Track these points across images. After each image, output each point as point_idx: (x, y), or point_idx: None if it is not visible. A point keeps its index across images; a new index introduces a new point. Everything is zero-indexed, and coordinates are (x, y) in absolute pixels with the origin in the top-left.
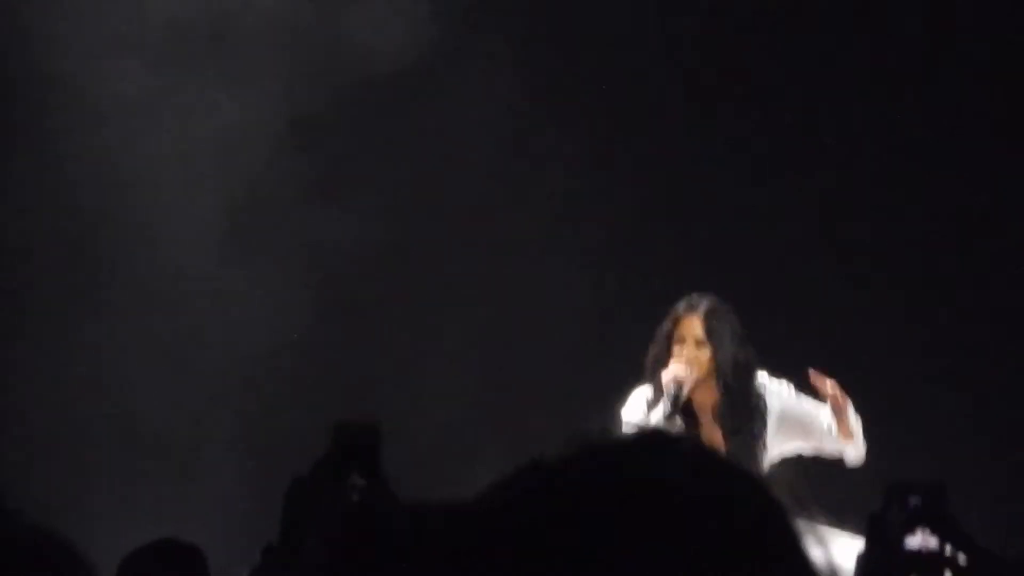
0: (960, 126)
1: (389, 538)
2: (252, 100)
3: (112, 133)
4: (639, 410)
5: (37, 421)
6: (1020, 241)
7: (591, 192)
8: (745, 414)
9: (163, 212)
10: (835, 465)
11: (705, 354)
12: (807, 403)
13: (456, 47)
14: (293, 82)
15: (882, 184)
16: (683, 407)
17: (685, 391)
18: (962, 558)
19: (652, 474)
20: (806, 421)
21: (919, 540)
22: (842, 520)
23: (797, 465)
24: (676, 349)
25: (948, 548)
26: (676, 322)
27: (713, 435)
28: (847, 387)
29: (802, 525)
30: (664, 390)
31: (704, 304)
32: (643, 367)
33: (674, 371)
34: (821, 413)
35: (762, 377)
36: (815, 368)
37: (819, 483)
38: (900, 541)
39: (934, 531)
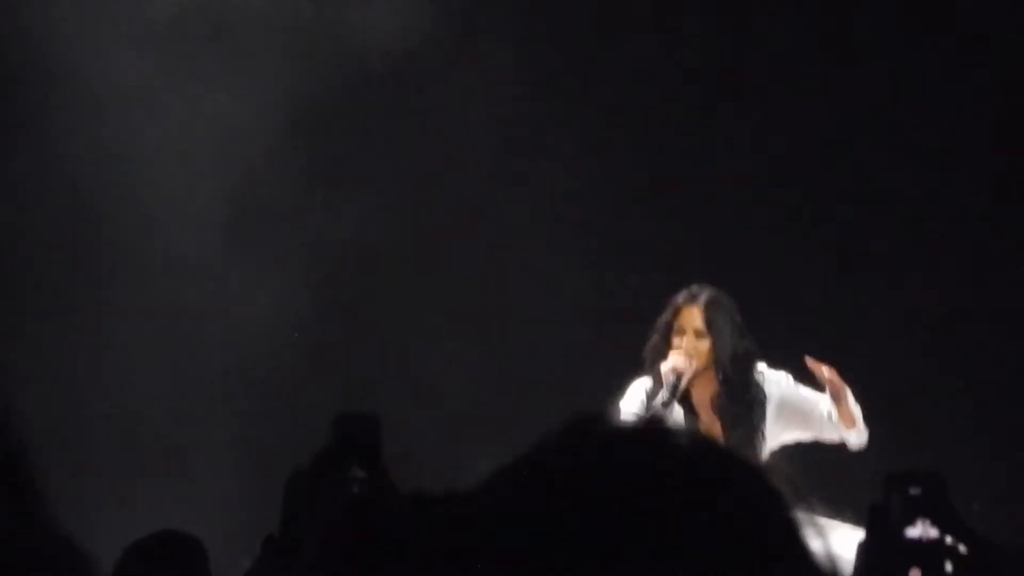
0: (960, 124)
1: (389, 530)
2: (252, 95)
3: (111, 127)
4: (638, 401)
5: (37, 416)
6: (1021, 237)
7: (591, 186)
8: (744, 406)
9: (163, 206)
10: (834, 456)
11: (705, 345)
12: (806, 392)
13: (456, 42)
14: (293, 77)
15: (882, 179)
16: (682, 398)
17: (684, 382)
18: (962, 548)
19: (650, 463)
20: (805, 410)
21: (919, 530)
22: (841, 511)
23: (796, 455)
24: (676, 340)
25: (948, 538)
26: (676, 313)
27: (712, 426)
28: (846, 379)
29: (801, 516)
30: (663, 381)
31: (704, 295)
32: (642, 358)
33: (673, 362)
34: (820, 401)
35: (761, 368)
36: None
37: (818, 474)
38: (900, 531)
39: (934, 522)
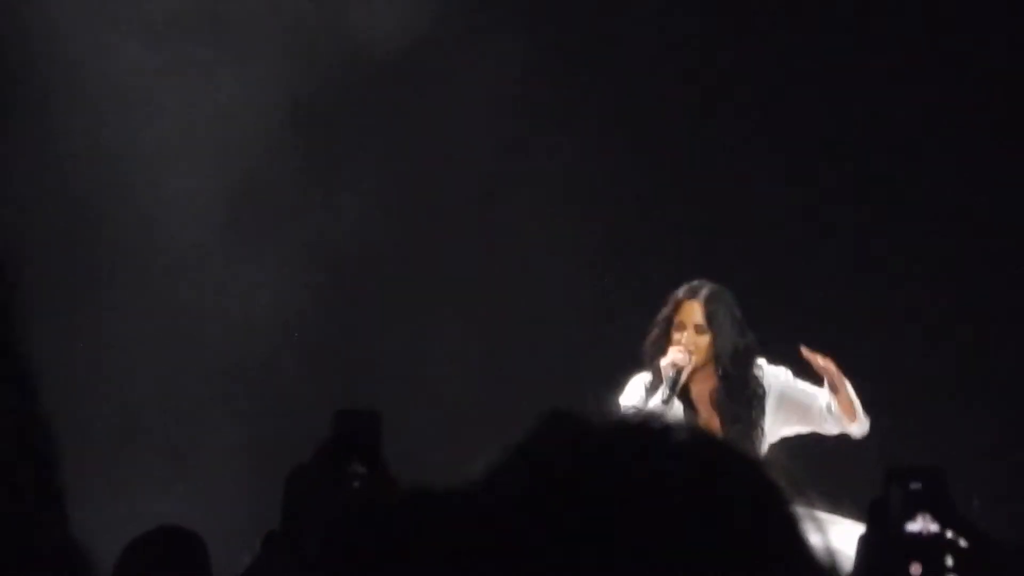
0: (960, 122)
1: (389, 526)
2: (252, 93)
3: (110, 126)
4: (637, 396)
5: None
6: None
7: (591, 181)
8: (743, 401)
9: (162, 206)
10: (835, 450)
11: (705, 340)
12: (805, 387)
13: (456, 39)
14: (293, 74)
15: (883, 176)
16: (680, 393)
17: (684, 377)
18: (963, 543)
19: (649, 458)
20: (804, 405)
21: (919, 525)
22: (841, 506)
23: (796, 450)
24: (676, 335)
25: (949, 533)
26: (676, 307)
27: (710, 421)
28: (845, 372)
29: (800, 510)
30: (663, 376)
31: (705, 290)
32: (642, 353)
33: (673, 357)
34: (819, 396)
35: (760, 363)
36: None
37: (818, 469)
38: (901, 526)
39: (935, 516)
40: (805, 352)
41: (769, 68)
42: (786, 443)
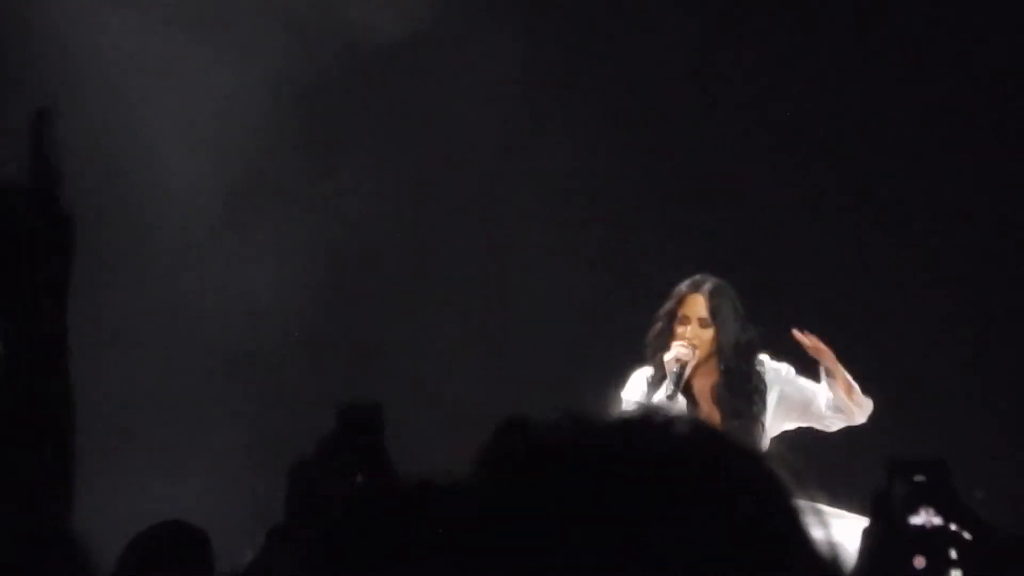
0: (961, 121)
1: (391, 517)
2: (254, 86)
3: (109, 113)
4: (639, 390)
5: None
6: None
7: (592, 177)
8: (744, 396)
9: (161, 195)
10: (838, 444)
11: (708, 334)
12: (806, 384)
13: (457, 30)
14: (294, 63)
15: (882, 173)
16: (682, 388)
17: (688, 372)
18: (966, 535)
19: (652, 452)
20: (804, 402)
21: (923, 518)
22: (844, 499)
23: (798, 443)
24: (679, 329)
25: (952, 526)
26: (680, 301)
27: (711, 415)
28: (852, 372)
29: (803, 504)
30: (666, 371)
31: (708, 284)
32: (644, 347)
33: (677, 352)
34: (819, 393)
35: (763, 358)
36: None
37: (821, 462)
38: (904, 519)
39: (938, 509)
40: (797, 334)
41: (769, 67)
42: (788, 436)
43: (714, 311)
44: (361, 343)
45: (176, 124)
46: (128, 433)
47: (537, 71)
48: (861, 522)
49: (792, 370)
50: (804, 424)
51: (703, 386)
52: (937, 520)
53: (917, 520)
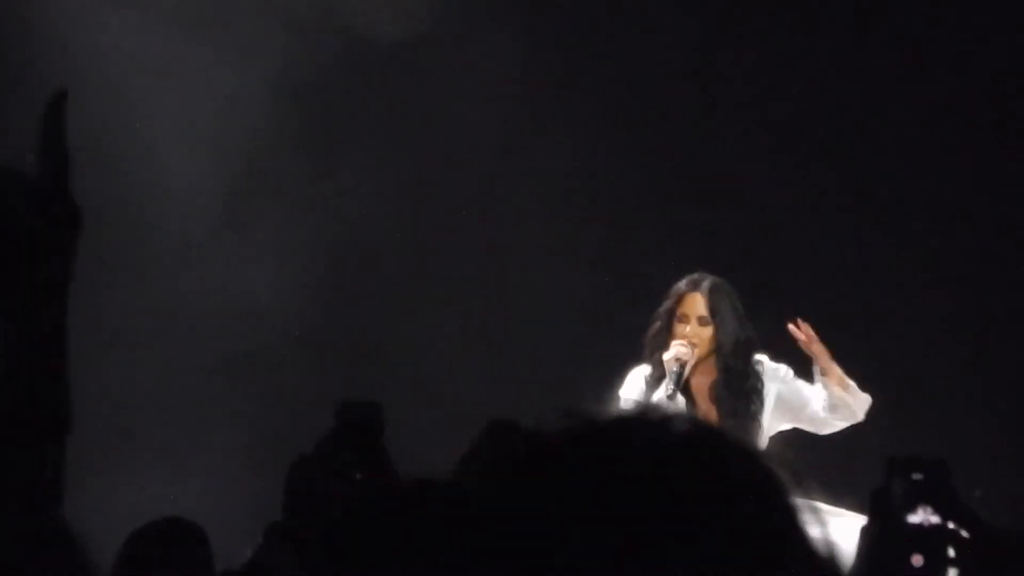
0: (961, 120)
1: (391, 517)
2: (254, 84)
3: (109, 111)
4: (637, 389)
5: None
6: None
7: (591, 177)
8: (743, 394)
9: (160, 194)
10: (837, 442)
11: (708, 332)
12: (802, 387)
13: (458, 30)
14: (294, 61)
15: (880, 172)
16: (681, 386)
17: (687, 371)
18: (965, 534)
19: (650, 450)
20: (798, 405)
21: (921, 516)
22: (843, 497)
23: (797, 441)
24: (679, 327)
25: (951, 524)
26: (679, 300)
27: (709, 414)
28: (851, 372)
29: (800, 502)
30: (666, 370)
31: (707, 282)
32: (642, 346)
33: (676, 351)
34: (813, 398)
35: (762, 358)
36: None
37: (820, 460)
38: (903, 517)
39: (937, 507)
40: (792, 328)
41: (769, 67)
42: (787, 435)
43: (713, 309)
44: (361, 343)
45: (176, 124)
46: (128, 433)
47: (537, 71)
48: (860, 520)
49: (791, 372)
50: (798, 426)
51: (701, 384)
52: (935, 518)
53: (915, 518)
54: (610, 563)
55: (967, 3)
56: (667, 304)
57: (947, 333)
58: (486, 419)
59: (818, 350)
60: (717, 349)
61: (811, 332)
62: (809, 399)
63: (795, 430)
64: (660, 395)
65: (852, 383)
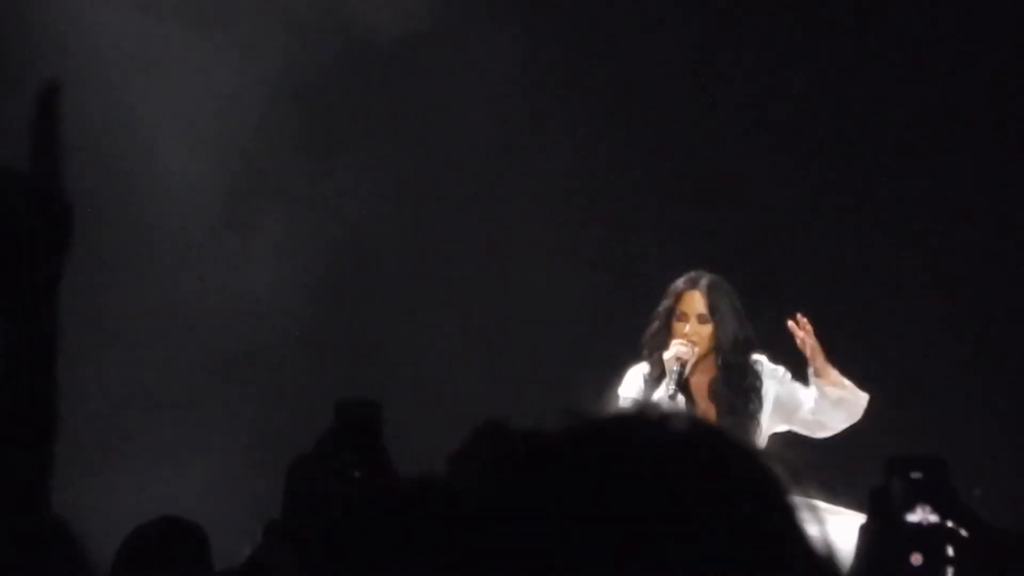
0: (962, 120)
1: (390, 516)
2: (252, 78)
3: (109, 109)
4: (636, 387)
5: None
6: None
7: (592, 177)
8: (742, 392)
9: (160, 192)
10: (836, 440)
11: (707, 330)
12: (797, 390)
13: (457, 28)
14: (294, 59)
15: (880, 172)
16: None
17: (688, 370)
18: (963, 533)
19: (648, 449)
20: (794, 405)
21: (920, 515)
22: (841, 496)
23: (796, 440)
24: (678, 325)
25: (949, 523)
26: (677, 298)
27: (708, 412)
28: (848, 367)
29: (799, 501)
30: (666, 369)
31: (704, 280)
32: (641, 345)
33: (676, 350)
34: (806, 402)
35: (761, 358)
36: (796, 324)
37: (817, 459)
38: (902, 515)
39: (935, 506)
40: (791, 325)
41: (769, 67)
42: (785, 434)
43: (712, 307)
44: (361, 343)
45: (176, 124)
46: (128, 432)
47: (537, 71)
48: (859, 519)
49: (788, 374)
50: (792, 428)
51: (700, 383)
52: (934, 517)
53: (914, 517)
54: (609, 562)
55: (967, 3)
56: (666, 303)
57: (947, 333)
58: (486, 419)
59: (814, 349)
60: (716, 347)
61: (809, 328)
62: (803, 401)
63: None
64: (660, 394)
65: (849, 382)
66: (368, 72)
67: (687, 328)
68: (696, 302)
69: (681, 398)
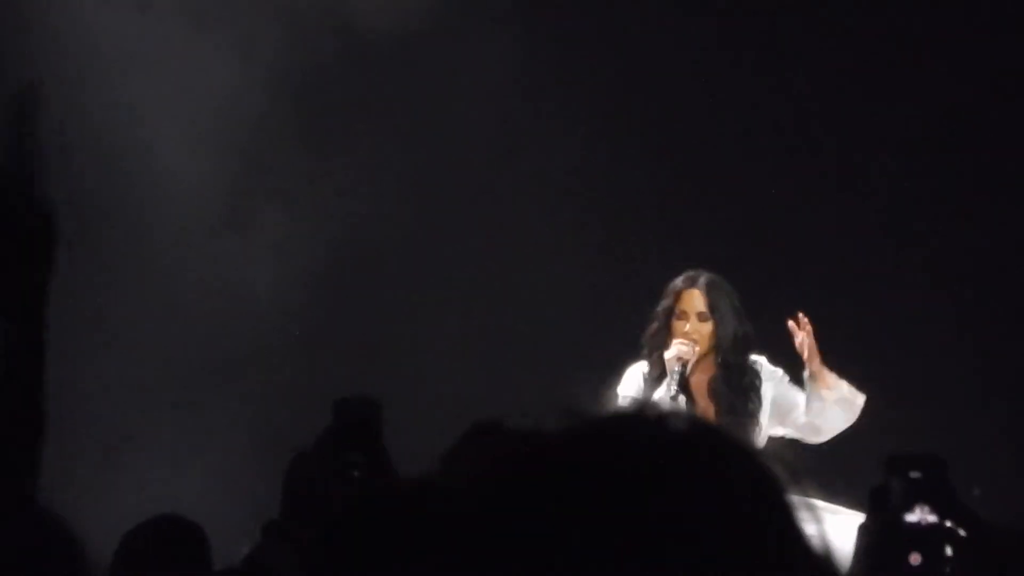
0: (962, 120)
1: (390, 516)
2: (252, 76)
3: (109, 108)
4: (635, 386)
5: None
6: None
7: (592, 177)
8: (741, 391)
9: (159, 191)
10: (834, 440)
11: (707, 328)
12: (793, 392)
13: (457, 26)
14: (294, 57)
15: (881, 171)
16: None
17: (689, 370)
18: (962, 532)
19: (648, 449)
20: (788, 407)
21: (918, 515)
22: (840, 496)
23: (794, 441)
24: (678, 324)
25: (948, 522)
26: (677, 297)
27: (707, 411)
28: (848, 367)
29: (798, 501)
30: (668, 369)
31: (703, 278)
32: (640, 344)
33: (678, 350)
34: (801, 403)
35: (760, 360)
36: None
37: (817, 458)
38: (901, 515)
39: (934, 505)
40: (791, 325)
41: (769, 67)
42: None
43: (712, 305)
44: (361, 342)
45: (176, 123)
46: (128, 432)
47: (537, 71)
48: (858, 518)
49: (786, 376)
50: (786, 432)
51: (700, 381)
52: (932, 517)
53: (913, 517)
54: (608, 562)
55: (967, 3)
56: (665, 302)
57: (946, 333)
58: (487, 405)
59: (811, 351)
60: (716, 345)
61: (809, 328)
62: (797, 404)
63: None
64: (660, 394)
65: (846, 384)
66: (368, 71)
67: (687, 326)
68: (695, 300)
69: (682, 398)
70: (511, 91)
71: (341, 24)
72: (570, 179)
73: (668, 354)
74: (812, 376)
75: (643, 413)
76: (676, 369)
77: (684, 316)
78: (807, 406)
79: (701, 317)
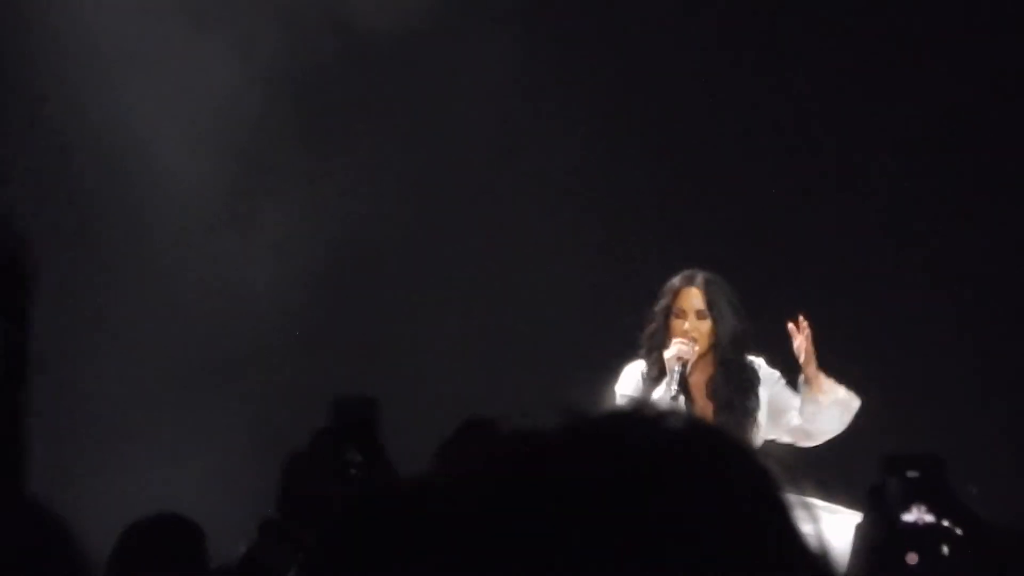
0: (962, 120)
1: (390, 516)
2: (252, 75)
3: (109, 108)
4: (633, 384)
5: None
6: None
7: (592, 177)
8: (740, 390)
9: (159, 190)
10: (832, 439)
11: (706, 326)
12: (787, 395)
13: (457, 25)
14: (294, 52)
15: (883, 170)
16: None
17: (688, 369)
18: (959, 531)
19: (646, 448)
20: (780, 411)
21: (915, 515)
22: (837, 495)
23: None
24: (677, 323)
25: (945, 522)
26: (675, 296)
27: (706, 410)
28: (847, 367)
29: (795, 500)
30: (667, 369)
31: (700, 277)
32: (639, 343)
33: (678, 350)
34: (795, 406)
35: (759, 361)
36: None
37: (815, 457)
38: (898, 514)
39: (931, 505)
40: (791, 327)
41: (769, 66)
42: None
43: (710, 303)
44: (360, 342)
45: (176, 123)
46: (128, 431)
47: (537, 71)
48: (855, 517)
49: (783, 379)
50: (779, 434)
51: (698, 379)
52: (929, 517)
53: (910, 517)
54: (607, 561)
55: (967, 3)
56: (663, 301)
57: (946, 333)
58: (487, 404)
59: (808, 354)
60: (715, 343)
61: (808, 332)
62: (791, 407)
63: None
64: (659, 393)
65: (842, 388)
66: (368, 71)
67: (686, 325)
68: (694, 298)
69: (682, 397)
70: (511, 91)
71: (341, 24)
72: (570, 179)
73: (668, 353)
74: (807, 380)
75: (642, 412)
76: (676, 368)
77: (682, 315)
78: (801, 410)
79: (700, 315)
